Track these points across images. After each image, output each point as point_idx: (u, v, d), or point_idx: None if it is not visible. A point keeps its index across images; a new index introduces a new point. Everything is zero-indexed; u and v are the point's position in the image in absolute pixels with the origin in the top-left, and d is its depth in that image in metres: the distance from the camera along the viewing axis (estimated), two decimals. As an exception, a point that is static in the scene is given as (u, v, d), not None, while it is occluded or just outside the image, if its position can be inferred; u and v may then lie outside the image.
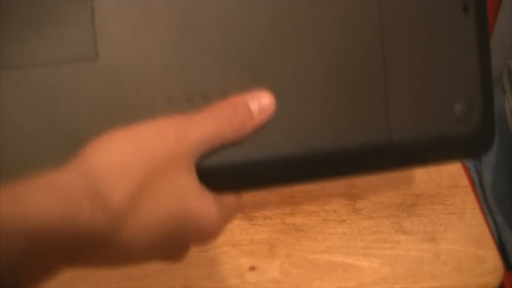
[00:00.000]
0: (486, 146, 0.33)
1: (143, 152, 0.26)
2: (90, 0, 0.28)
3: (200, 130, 0.27)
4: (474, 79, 0.32)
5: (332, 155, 0.31)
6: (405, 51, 0.31)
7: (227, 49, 0.29)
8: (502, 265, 0.52)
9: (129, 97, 0.29)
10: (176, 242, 0.28)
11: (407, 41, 0.31)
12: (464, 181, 0.55)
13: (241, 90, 0.29)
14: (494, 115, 0.33)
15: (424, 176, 0.55)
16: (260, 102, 0.29)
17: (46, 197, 0.24)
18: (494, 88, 0.79)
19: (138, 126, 0.27)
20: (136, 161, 0.26)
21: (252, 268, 0.50)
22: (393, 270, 0.50)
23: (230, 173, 0.29)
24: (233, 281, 0.49)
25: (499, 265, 0.51)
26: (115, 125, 0.27)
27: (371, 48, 0.31)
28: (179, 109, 0.29)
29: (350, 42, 0.30)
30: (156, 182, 0.26)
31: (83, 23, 0.28)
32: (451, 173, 0.55)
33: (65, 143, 0.28)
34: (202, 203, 0.28)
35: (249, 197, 0.52)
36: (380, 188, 0.54)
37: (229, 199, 0.30)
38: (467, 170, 0.56)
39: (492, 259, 0.51)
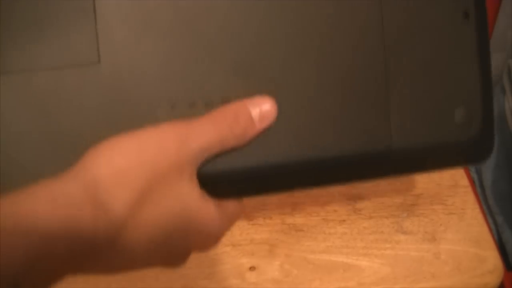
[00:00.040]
0: (485, 153, 0.34)
1: (145, 159, 0.26)
2: (92, 4, 0.28)
3: (201, 137, 0.27)
4: (474, 86, 0.32)
5: (332, 161, 0.31)
6: (407, 58, 0.31)
7: (230, 54, 0.29)
8: (502, 265, 0.52)
9: (131, 102, 0.28)
10: (177, 249, 0.28)
11: (408, 48, 0.31)
12: (464, 181, 0.55)
13: (243, 96, 0.29)
14: (494, 122, 0.33)
15: (424, 176, 0.55)
16: (262, 109, 0.29)
17: (47, 208, 0.24)
18: (494, 88, 0.79)
19: (139, 133, 0.27)
20: (137, 169, 0.26)
21: (252, 268, 0.50)
22: (393, 270, 0.50)
23: (231, 179, 0.29)
24: (233, 281, 0.49)
25: (499, 265, 0.51)
26: (117, 130, 0.27)
27: (373, 55, 0.31)
28: (181, 114, 0.29)
29: (351, 49, 0.31)
30: (157, 189, 0.26)
31: (85, 28, 0.28)
32: (451, 173, 0.55)
33: (66, 148, 0.28)
34: (203, 210, 0.28)
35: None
36: (380, 188, 0.54)
37: (230, 205, 0.30)
38: (467, 170, 0.56)
39: (492, 259, 0.51)
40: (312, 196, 0.53)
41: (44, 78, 0.28)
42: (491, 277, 0.50)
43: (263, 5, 0.30)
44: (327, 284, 0.49)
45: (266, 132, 0.29)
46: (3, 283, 0.22)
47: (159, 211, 0.26)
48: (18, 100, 0.28)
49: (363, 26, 0.30)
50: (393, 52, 0.31)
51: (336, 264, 0.50)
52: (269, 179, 0.31)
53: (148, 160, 0.26)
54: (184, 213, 0.27)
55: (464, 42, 0.32)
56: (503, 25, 0.76)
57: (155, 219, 0.26)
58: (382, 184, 0.54)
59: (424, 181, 0.55)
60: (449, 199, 0.54)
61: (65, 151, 0.28)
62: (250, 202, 0.53)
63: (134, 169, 0.26)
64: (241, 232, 0.51)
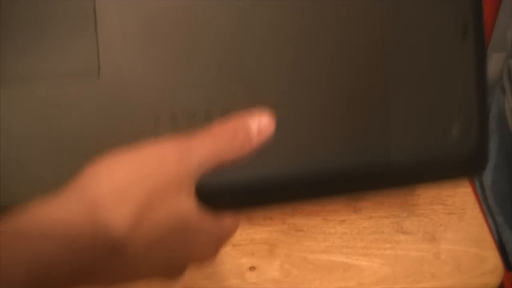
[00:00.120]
0: (481, 165, 0.34)
1: (145, 174, 0.26)
2: (93, 15, 0.28)
3: (200, 153, 0.27)
4: (471, 100, 0.33)
5: (331, 174, 0.31)
6: (406, 73, 0.32)
7: (229, 66, 0.29)
8: (502, 265, 0.52)
9: (131, 112, 0.29)
10: (176, 261, 0.28)
11: (407, 63, 0.31)
12: (464, 181, 0.55)
13: (242, 108, 0.29)
14: (488, 136, 0.34)
15: (424, 176, 0.55)
16: (260, 123, 0.29)
17: (47, 231, 0.24)
18: (494, 88, 0.79)
19: (139, 149, 0.27)
20: (137, 184, 0.26)
21: (252, 268, 0.50)
22: (393, 270, 0.50)
23: (228, 192, 0.30)
24: (233, 281, 0.49)
25: (499, 265, 0.51)
26: (117, 141, 0.27)
27: (373, 69, 0.31)
28: (180, 126, 0.29)
29: (352, 64, 0.31)
30: (157, 204, 0.26)
31: (86, 38, 0.28)
32: (451, 173, 0.55)
33: (66, 157, 0.28)
34: (201, 223, 0.28)
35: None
36: (380, 188, 0.54)
37: (227, 220, 0.30)
38: (467, 170, 0.56)
39: (492, 259, 0.51)
40: (312, 196, 0.53)
41: (45, 88, 0.28)
42: (491, 277, 0.50)
43: (265, 18, 0.30)
44: (327, 284, 0.49)
45: (264, 146, 0.29)
46: None
47: (158, 225, 0.26)
48: (18, 109, 0.28)
49: (363, 42, 0.31)
50: (392, 67, 0.31)
51: (336, 264, 0.50)
52: (267, 192, 0.31)
53: (148, 175, 0.26)
54: (182, 227, 0.27)
55: (462, 57, 0.32)
56: (503, 25, 0.76)
57: (154, 233, 0.26)
58: (382, 184, 0.54)
59: (424, 181, 0.55)
60: (449, 199, 0.54)
61: (65, 161, 0.28)
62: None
63: (134, 184, 0.26)
64: (241, 232, 0.51)
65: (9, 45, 0.27)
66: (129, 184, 0.26)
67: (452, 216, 0.53)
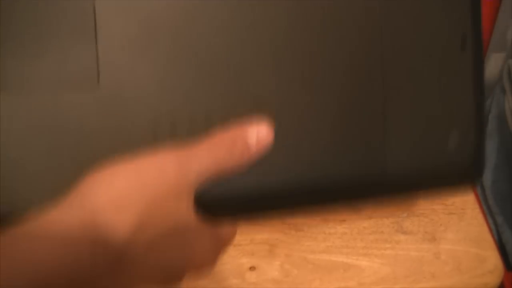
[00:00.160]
0: (476, 176, 0.34)
1: (144, 185, 0.26)
2: (94, 26, 0.28)
3: (199, 163, 0.28)
4: (468, 112, 0.33)
5: (328, 185, 0.31)
6: (403, 84, 0.32)
7: (230, 76, 0.29)
8: (502, 265, 0.52)
9: (130, 123, 0.28)
10: (174, 271, 0.29)
11: (405, 74, 0.32)
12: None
13: (241, 116, 0.29)
14: (485, 146, 0.34)
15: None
16: (259, 133, 0.29)
17: (45, 247, 0.24)
18: (494, 88, 0.79)
19: (138, 158, 0.27)
20: (137, 194, 0.26)
21: (252, 268, 0.50)
22: (393, 270, 0.50)
23: (227, 201, 0.30)
24: (233, 281, 0.49)
25: (499, 265, 0.51)
26: (116, 150, 0.27)
27: (371, 79, 0.31)
28: (180, 136, 0.29)
29: (349, 73, 0.31)
30: (155, 214, 0.26)
31: (85, 49, 0.28)
32: (451, 173, 0.55)
33: (65, 166, 0.28)
34: (199, 233, 0.28)
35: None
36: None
37: (225, 228, 0.31)
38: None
39: (492, 259, 0.51)
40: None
41: (44, 96, 0.28)
42: (491, 277, 0.50)
43: (265, 28, 0.30)
44: (327, 284, 0.49)
45: (262, 155, 0.29)
46: None
47: (157, 234, 0.26)
48: (17, 117, 0.27)
49: (361, 50, 0.31)
50: (390, 76, 0.31)
51: (336, 264, 0.50)
52: (264, 201, 0.31)
53: (147, 184, 0.26)
54: (181, 235, 0.28)
55: (460, 66, 0.33)
56: (503, 25, 0.76)
57: (153, 242, 0.26)
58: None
59: (424, 181, 0.55)
60: (449, 199, 0.54)
61: (64, 169, 0.28)
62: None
63: (134, 194, 0.26)
64: (241, 232, 0.51)
65: (8, 52, 0.27)
66: (129, 193, 0.26)
67: (452, 216, 0.53)
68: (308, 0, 0.30)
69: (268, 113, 0.30)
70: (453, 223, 0.53)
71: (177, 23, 0.29)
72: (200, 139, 0.28)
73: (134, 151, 0.27)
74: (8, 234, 0.24)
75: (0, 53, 0.27)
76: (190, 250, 0.28)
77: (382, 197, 0.33)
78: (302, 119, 0.30)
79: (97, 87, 0.28)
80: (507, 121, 0.73)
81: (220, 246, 0.30)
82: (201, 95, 0.29)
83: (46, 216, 0.25)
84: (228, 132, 0.29)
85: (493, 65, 0.80)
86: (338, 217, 0.53)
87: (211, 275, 0.49)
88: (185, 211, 0.28)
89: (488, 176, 0.76)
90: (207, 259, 0.30)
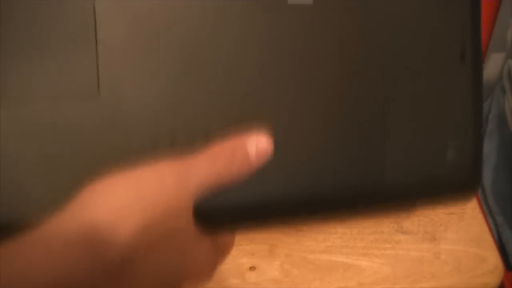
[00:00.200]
0: (473, 189, 0.34)
1: (144, 198, 0.26)
2: (94, 36, 0.28)
3: (199, 175, 0.28)
4: (466, 125, 0.33)
5: (326, 196, 0.31)
6: (403, 97, 0.32)
7: (229, 89, 0.30)
8: (502, 265, 0.52)
9: (130, 134, 0.28)
10: (172, 282, 0.28)
11: (405, 87, 0.32)
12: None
13: (241, 129, 0.29)
14: (482, 160, 0.34)
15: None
16: (258, 144, 0.29)
17: (43, 261, 0.24)
18: (494, 88, 0.79)
19: (138, 170, 0.27)
20: (136, 207, 0.26)
21: (252, 268, 0.50)
22: (393, 270, 0.50)
23: (226, 212, 0.30)
24: (233, 281, 0.49)
25: (499, 265, 0.51)
26: (115, 162, 0.27)
27: (371, 91, 0.31)
28: (179, 147, 0.29)
29: (350, 85, 0.31)
30: (155, 227, 0.26)
31: (86, 59, 0.28)
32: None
33: (64, 178, 0.28)
34: (198, 245, 0.29)
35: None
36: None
37: (223, 239, 0.31)
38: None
39: (492, 259, 0.51)
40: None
41: (43, 108, 0.28)
42: (491, 277, 0.50)
43: (264, 41, 0.30)
44: (327, 284, 0.49)
45: (261, 166, 0.29)
46: None
47: (156, 247, 0.26)
48: (16, 130, 0.27)
49: (361, 62, 0.31)
50: (390, 90, 0.31)
51: (336, 264, 0.50)
52: (263, 212, 0.31)
53: (146, 197, 0.26)
54: (180, 247, 0.28)
55: (459, 82, 0.33)
56: (503, 25, 0.76)
57: (153, 255, 0.26)
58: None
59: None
60: (449, 199, 0.54)
61: (63, 181, 0.28)
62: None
63: (133, 206, 0.26)
64: (241, 232, 0.51)
65: (8, 61, 0.27)
66: (129, 204, 0.26)
67: (452, 216, 0.53)
68: (310, 12, 0.30)
69: (268, 124, 0.30)
70: (453, 223, 0.53)
71: (178, 34, 0.29)
72: (199, 150, 0.28)
73: (134, 162, 0.27)
74: (8, 244, 0.24)
75: (0, 65, 0.27)
76: (189, 260, 0.28)
77: (380, 207, 0.33)
78: (301, 130, 0.30)
79: (97, 97, 0.28)
80: (507, 121, 0.73)
81: (218, 255, 0.31)
82: (201, 106, 0.29)
83: (46, 226, 0.25)
84: (228, 143, 0.29)
85: (493, 65, 0.80)
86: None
87: (211, 275, 0.49)
88: (184, 221, 0.28)
89: (488, 176, 0.76)
90: (206, 268, 0.30)
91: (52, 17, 0.28)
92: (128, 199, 0.26)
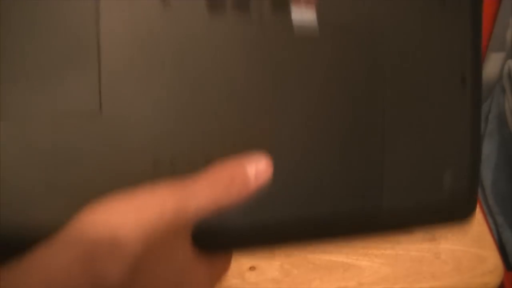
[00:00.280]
0: (469, 214, 0.35)
1: (142, 224, 0.26)
2: (97, 52, 0.28)
3: (198, 201, 0.28)
4: (464, 151, 0.34)
5: (323, 219, 0.32)
6: (403, 121, 0.32)
7: (230, 113, 0.30)
8: (502, 265, 0.52)
9: (131, 152, 0.28)
10: None
11: (405, 111, 0.32)
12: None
13: (241, 150, 0.29)
14: (478, 185, 0.35)
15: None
16: (258, 169, 0.29)
17: (43, 284, 0.24)
18: (494, 88, 0.79)
19: (137, 194, 0.27)
20: (135, 233, 0.25)
21: (252, 268, 0.50)
22: (393, 270, 0.50)
23: (222, 234, 0.30)
24: (233, 281, 0.49)
25: (499, 265, 0.51)
26: (115, 183, 0.27)
27: (370, 115, 0.31)
28: (179, 168, 0.29)
29: (349, 109, 0.31)
30: (153, 252, 0.26)
31: (88, 75, 0.28)
32: (451, 173, 0.55)
33: (63, 198, 0.28)
34: (195, 270, 0.29)
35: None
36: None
37: (219, 262, 0.31)
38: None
39: (492, 259, 0.51)
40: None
41: (44, 128, 0.27)
42: (491, 277, 0.50)
43: (265, 67, 0.30)
44: (327, 284, 0.49)
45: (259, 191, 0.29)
46: None
47: (154, 273, 0.26)
48: (15, 150, 0.27)
49: (361, 88, 0.31)
50: (390, 116, 0.32)
51: (336, 263, 0.50)
52: (259, 235, 0.31)
53: (145, 223, 0.26)
54: (177, 273, 0.28)
55: (459, 108, 0.33)
56: (503, 25, 0.76)
57: (150, 282, 0.26)
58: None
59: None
60: (449, 199, 0.54)
61: (62, 200, 0.28)
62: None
63: (132, 233, 0.25)
64: (241, 232, 0.51)
65: (9, 81, 0.27)
66: (126, 232, 0.25)
67: (452, 216, 0.53)
68: (309, 41, 0.30)
69: (267, 149, 0.30)
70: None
71: (182, 57, 0.29)
72: (198, 174, 0.28)
73: (134, 183, 0.27)
74: (5, 271, 0.24)
75: (0, 81, 0.27)
76: (186, 282, 0.28)
77: (377, 232, 0.34)
78: (300, 154, 0.31)
79: (99, 117, 0.28)
80: (507, 121, 0.73)
81: (215, 278, 0.31)
82: (202, 129, 0.29)
83: (44, 250, 0.25)
84: (227, 168, 0.29)
85: (492, 65, 0.80)
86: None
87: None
88: (182, 249, 0.28)
89: (488, 176, 0.77)
90: None
91: (54, 36, 0.27)
92: (126, 226, 0.26)
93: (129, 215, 0.26)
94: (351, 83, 0.31)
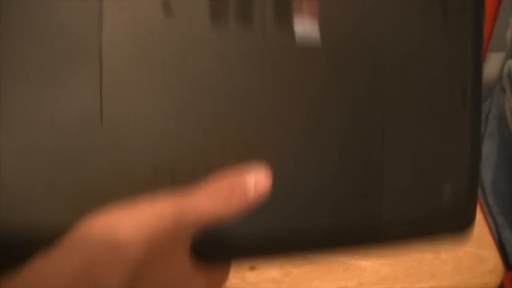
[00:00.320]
0: (466, 225, 0.35)
1: (142, 235, 0.26)
2: (99, 63, 0.28)
3: (197, 212, 0.28)
4: (463, 167, 0.34)
5: (322, 231, 0.32)
6: (403, 137, 0.32)
7: (231, 123, 0.30)
8: (502, 265, 0.52)
9: (131, 163, 0.28)
10: None
11: (405, 126, 0.32)
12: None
13: (241, 160, 0.29)
14: (477, 199, 0.35)
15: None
16: (257, 181, 0.29)
17: None
18: (494, 88, 0.79)
19: (137, 206, 0.27)
20: (135, 244, 0.25)
21: (252, 268, 0.49)
22: (393, 270, 0.50)
23: (221, 245, 0.30)
24: (233, 281, 0.49)
25: (499, 265, 0.51)
26: (115, 193, 0.27)
27: (371, 131, 0.32)
28: (180, 180, 0.29)
29: (350, 123, 0.31)
30: (152, 263, 0.26)
31: (89, 86, 0.28)
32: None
33: (63, 209, 0.28)
34: (193, 280, 0.29)
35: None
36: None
37: (218, 272, 0.31)
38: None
39: (492, 259, 0.51)
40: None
41: (44, 137, 0.27)
42: (491, 277, 0.50)
43: (265, 78, 0.30)
44: (327, 283, 0.49)
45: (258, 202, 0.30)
46: None
47: (153, 282, 0.27)
48: (16, 158, 0.27)
49: (362, 101, 0.31)
50: (391, 130, 0.32)
51: (336, 264, 0.50)
52: (258, 247, 0.31)
53: (145, 234, 0.26)
54: (176, 283, 0.28)
55: (459, 119, 0.33)
56: (503, 25, 0.76)
57: None
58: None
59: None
60: (449, 199, 0.54)
61: (62, 211, 0.28)
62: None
63: (132, 243, 0.25)
64: (241, 232, 0.51)
65: (10, 90, 0.27)
66: (127, 243, 0.25)
67: (452, 216, 0.53)
68: (311, 53, 0.30)
69: (267, 159, 0.30)
70: (453, 223, 0.53)
71: (183, 68, 0.29)
72: (198, 186, 0.28)
73: (133, 194, 0.27)
74: (4, 281, 0.24)
75: (1, 90, 0.27)
76: None
77: (376, 244, 0.34)
78: (300, 166, 0.31)
79: (100, 127, 0.28)
80: (507, 121, 0.73)
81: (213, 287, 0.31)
82: (203, 139, 0.29)
83: (43, 261, 0.25)
84: (227, 179, 0.29)
85: (492, 65, 0.80)
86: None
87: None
88: (181, 259, 0.28)
89: (488, 176, 0.77)
90: None
91: (57, 44, 0.27)
92: (126, 236, 0.26)
93: (129, 226, 0.26)
94: (352, 95, 0.31)
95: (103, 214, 0.26)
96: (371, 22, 0.31)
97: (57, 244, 0.25)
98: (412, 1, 0.32)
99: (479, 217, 0.54)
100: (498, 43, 0.77)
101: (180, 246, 0.28)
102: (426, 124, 0.32)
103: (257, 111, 0.30)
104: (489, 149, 0.77)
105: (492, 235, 0.54)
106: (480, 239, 0.52)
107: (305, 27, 0.30)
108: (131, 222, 0.26)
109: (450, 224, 0.34)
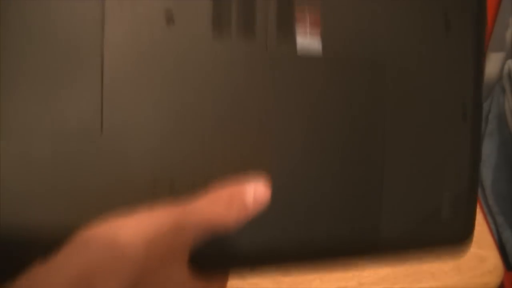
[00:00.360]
0: (464, 238, 0.36)
1: (141, 245, 0.26)
2: (100, 73, 0.28)
3: (196, 223, 0.28)
4: (463, 182, 0.34)
5: (320, 247, 0.32)
6: (403, 152, 0.33)
7: (231, 135, 0.30)
8: (502, 265, 0.52)
9: (131, 174, 0.28)
10: None
11: (406, 142, 0.33)
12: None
13: (240, 172, 0.29)
14: (475, 214, 0.35)
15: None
16: (256, 193, 0.29)
17: None
18: (494, 88, 0.79)
19: (135, 216, 0.27)
20: (133, 254, 0.25)
21: (252, 268, 0.49)
22: (393, 269, 0.50)
23: (219, 256, 0.30)
24: (233, 281, 0.49)
25: (499, 265, 0.51)
26: (114, 203, 0.27)
27: (371, 145, 0.32)
28: (179, 190, 0.29)
29: (349, 136, 0.31)
30: (151, 273, 0.26)
31: (90, 96, 0.28)
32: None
33: (62, 221, 0.28)
34: None
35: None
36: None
37: (216, 282, 0.31)
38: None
39: (492, 259, 0.51)
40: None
41: (44, 146, 0.27)
42: (491, 277, 0.50)
43: (268, 92, 0.30)
44: (327, 284, 0.49)
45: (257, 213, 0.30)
46: None
47: None
48: (16, 167, 0.27)
49: (362, 116, 0.31)
50: (390, 145, 0.32)
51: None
52: (256, 259, 0.31)
53: (144, 244, 0.26)
54: None
55: (459, 136, 0.34)
56: (503, 25, 0.76)
57: None
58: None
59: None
60: (449, 199, 0.54)
61: (61, 220, 0.28)
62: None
63: (130, 254, 0.25)
64: (241, 232, 0.51)
65: (10, 97, 0.27)
66: (126, 251, 0.25)
67: (452, 216, 0.53)
68: (313, 68, 0.30)
69: (266, 171, 0.30)
70: (453, 223, 0.53)
71: (184, 79, 0.29)
72: (197, 196, 0.28)
73: (132, 204, 0.27)
74: None
75: (0, 99, 0.27)
76: None
77: (374, 259, 0.34)
78: (299, 179, 0.31)
79: (99, 136, 0.28)
80: (507, 121, 0.73)
81: None
82: (202, 150, 0.29)
83: (41, 270, 0.24)
84: (226, 191, 0.29)
85: (492, 65, 0.80)
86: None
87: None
88: (179, 270, 0.28)
89: (488, 176, 0.77)
90: None
91: (57, 53, 0.27)
92: (125, 247, 0.25)
93: (127, 236, 0.26)
94: (352, 111, 0.31)
95: (102, 223, 0.26)
96: (373, 34, 0.31)
97: (56, 253, 0.25)
98: (414, 13, 0.32)
99: (479, 217, 0.54)
100: (498, 43, 0.77)
101: (179, 255, 0.28)
102: (426, 136, 0.33)
103: (257, 122, 0.30)
104: (489, 149, 0.77)
105: (492, 235, 0.54)
106: (480, 239, 0.52)
107: (307, 38, 0.30)
108: (130, 230, 0.26)
109: (449, 235, 0.35)
